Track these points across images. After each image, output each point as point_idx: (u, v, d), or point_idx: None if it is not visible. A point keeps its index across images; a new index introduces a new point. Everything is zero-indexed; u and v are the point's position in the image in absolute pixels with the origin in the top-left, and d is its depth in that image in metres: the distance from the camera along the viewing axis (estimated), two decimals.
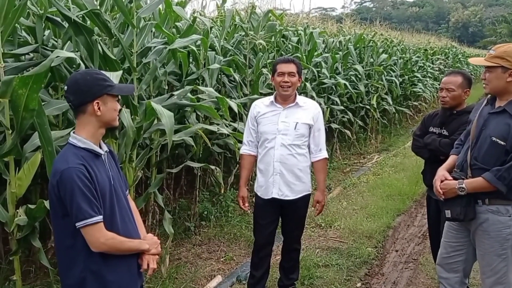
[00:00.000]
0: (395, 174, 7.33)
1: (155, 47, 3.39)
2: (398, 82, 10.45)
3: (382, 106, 10.09)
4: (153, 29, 3.83)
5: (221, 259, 4.40)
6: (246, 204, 3.42)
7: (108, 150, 1.95)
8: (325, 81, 7.23)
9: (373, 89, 9.60)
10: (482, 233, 2.59)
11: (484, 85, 2.62)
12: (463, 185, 2.53)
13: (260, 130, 3.29)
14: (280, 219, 3.43)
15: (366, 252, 4.42)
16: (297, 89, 6.77)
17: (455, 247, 2.78)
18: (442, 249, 2.88)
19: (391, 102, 10.04)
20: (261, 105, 3.32)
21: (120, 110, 2.96)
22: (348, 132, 8.25)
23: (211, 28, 4.67)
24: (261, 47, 5.30)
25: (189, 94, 3.62)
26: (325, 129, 7.65)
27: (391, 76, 10.48)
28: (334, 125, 7.83)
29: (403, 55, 11.84)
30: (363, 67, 9.32)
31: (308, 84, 6.33)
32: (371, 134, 10.01)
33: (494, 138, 2.48)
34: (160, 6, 3.97)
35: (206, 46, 3.80)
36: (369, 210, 5.54)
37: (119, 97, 1.96)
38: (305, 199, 3.34)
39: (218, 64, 4.79)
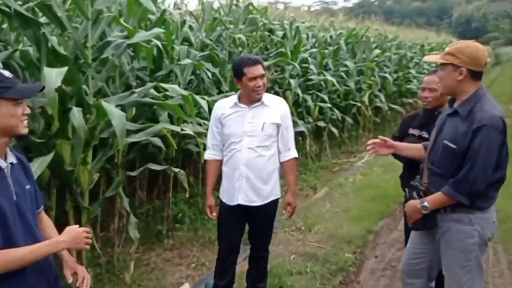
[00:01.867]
0: (384, 174, 7.11)
1: (114, 41, 3.18)
2: (391, 79, 10.22)
3: (375, 104, 9.87)
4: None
5: (192, 265, 4.21)
6: (214, 214, 3.22)
7: (16, 162, 1.73)
8: (312, 77, 7.00)
9: (366, 86, 9.38)
10: (445, 243, 2.45)
11: (439, 85, 2.49)
12: (426, 204, 2.40)
13: (225, 133, 3.08)
14: (247, 225, 3.25)
15: (343, 258, 4.22)
16: (282, 86, 6.61)
17: (420, 253, 2.65)
18: (406, 255, 2.76)
19: (384, 100, 9.81)
20: (225, 106, 3.11)
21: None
22: (335, 130, 8.02)
23: (184, 21, 4.45)
24: (240, 41, 5.07)
25: (153, 91, 3.40)
26: (312, 127, 7.60)
27: (385, 72, 10.24)
28: (321, 123, 7.60)
29: (398, 51, 11.60)
30: (355, 63, 9.09)
31: (292, 81, 6.12)
32: (363, 132, 9.80)
33: (445, 141, 2.36)
34: None
35: (170, 40, 3.59)
36: (352, 213, 5.34)
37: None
38: (273, 205, 3.14)
39: (193, 59, 4.58)
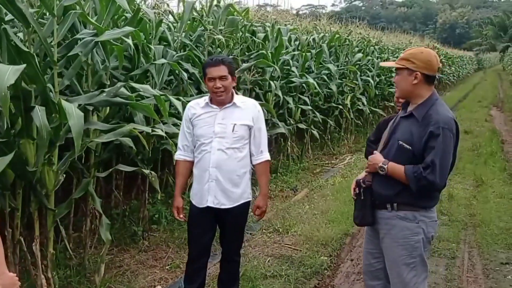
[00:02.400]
0: None
1: (82, 39, 3.10)
2: (373, 83, 10.26)
3: (357, 107, 9.90)
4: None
5: (167, 267, 4.14)
6: (181, 215, 3.16)
7: None
8: (294, 79, 6.98)
9: (348, 89, 9.40)
10: (391, 241, 2.53)
11: (395, 89, 2.63)
12: (385, 166, 2.48)
13: (196, 133, 3.03)
14: (218, 228, 3.20)
15: (319, 262, 4.19)
16: (263, 88, 6.57)
17: (374, 254, 2.74)
18: (364, 258, 2.86)
19: (365, 103, 9.85)
20: (196, 106, 3.07)
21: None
22: (315, 132, 8.01)
23: (161, 21, 4.38)
24: (219, 42, 5.02)
25: (124, 90, 3.32)
26: (292, 129, 7.58)
27: (367, 76, 10.29)
28: (301, 125, 7.59)
29: (381, 55, 11.66)
30: (338, 66, 9.11)
31: (273, 83, 6.08)
32: (345, 135, 9.82)
33: (400, 142, 2.46)
34: None
35: (140, 39, 3.52)
36: (329, 215, 5.32)
37: None
38: (243, 207, 3.09)
39: (170, 59, 4.52)
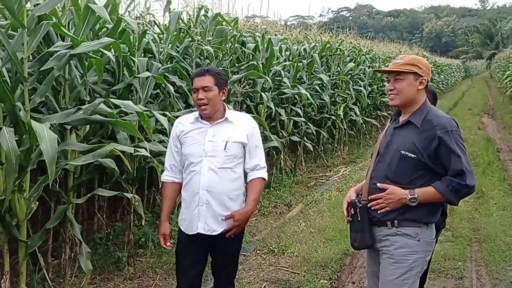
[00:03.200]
0: None
1: (57, 52, 2.82)
2: (366, 92, 10.08)
3: (350, 117, 9.70)
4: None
5: None
6: (168, 243, 2.86)
7: None
8: (285, 91, 6.74)
9: (341, 99, 9.20)
10: (387, 258, 2.38)
11: (391, 97, 2.40)
12: (415, 195, 2.28)
13: (184, 152, 2.75)
14: (209, 256, 2.90)
15: (319, 286, 3.91)
16: (254, 100, 6.31)
17: (378, 274, 2.50)
18: (367, 279, 2.67)
19: (358, 113, 9.65)
20: (185, 122, 2.79)
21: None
22: (309, 144, 7.77)
23: (145, 32, 4.12)
24: (208, 53, 4.77)
25: (104, 107, 3.04)
26: (285, 142, 7.32)
27: (359, 85, 10.11)
28: (294, 138, 7.34)
29: (372, 64, 11.51)
30: (329, 76, 8.91)
31: (264, 95, 5.83)
32: (338, 146, 9.59)
33: (403, 152, 2.32)
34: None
35: (120, 51, 3.26)
36: (327, 234, 5.04)
37: None
38: (237, 234, 2.79)
39: (156, 72, 4.25)
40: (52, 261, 3.99)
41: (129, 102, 3.10)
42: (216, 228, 2.70)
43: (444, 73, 27.77)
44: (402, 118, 2.43)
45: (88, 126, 3.64)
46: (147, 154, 3.05)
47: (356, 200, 2.44)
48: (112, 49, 3.77)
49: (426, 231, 2.36)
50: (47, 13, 3.22)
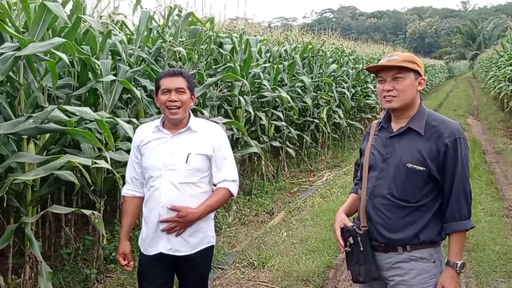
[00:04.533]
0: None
1: (3, 54, 2.52)
2: (349, 94, 9.89)
3: (333, 120, 9.49)
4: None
5: None
6: (131, 263, 2.58)
7: None
8: (265, 94, 6.49)
9: (324, 101, 8.99)
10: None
11: (389, 99, 2.05)
12: (459, 262, 1.98)
13: (144, 165, 2.47)
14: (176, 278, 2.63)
15: None
16: (232, 104, 6.03)
17: None
18: None
19: (342, 116, 9.44)
20: (146, 131, 2.52)
21: None
22: (291, 150, 7.53)
23: (109, 32, 3.83)
24: (180, 55, 4.49)
25: (60, 114, 2.75)
26: (266, 147, 7.07)
27: (343, 87, 9.91)
28: (275, 143, 7.09)
29: (356, 65, 11.34)
30: (312, 78, 8.70)
31: (242, 98, 5.57)
32: (322, 150, 9.38)
33: (410, 165, 2.00)
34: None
35: (73, 52, 2.97)
36: (310, 244, 4.79)
37: None
38: (205, 254, 2.52)
39: (123, 75, 3.97)
40: (15, 279, 3.68)
41: (86, 109, 2.81)
42: (180, 248, 2.43)
43: (428, 74, 27.85)
44: (396, 126, 2.10)
45: (47, 135, 3.34)
46: (107, 166, 2.76)
47: (354, 227, 2.10)
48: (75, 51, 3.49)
49: (439, 249, 2.07)
50: None
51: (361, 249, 2.05)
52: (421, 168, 1.98)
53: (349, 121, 10.17)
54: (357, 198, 2.23)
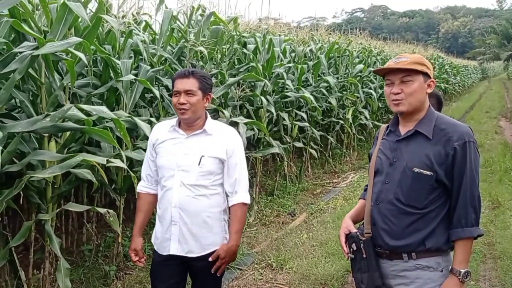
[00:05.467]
0: None
1: (21, 52, 2.57)
2: (376, 95, 9.70)
3: (359, 121, 9.34)
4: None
5: None
6: (142, 259, 2.60)
7: None
8: (289, 94, 6.43)
9: (349, 102, 8.85)
10: None
11: (397, 102, 1.99)
12: (463, 270, 1.91)
13: (158, 164, 2.48)
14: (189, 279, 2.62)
15: None
16: (253, 104, 6.01)
17: None
18: None
19: (368, 117, 9.28)
20: (162, 130, 2.52)
21: None
22: (313, 151, 7.44)
23: (130, 31, 3.87)
24: (202, 55, 4.50)
25: (78, 113, 2.78)
26: (289, 147, 7.01)
27: (369, 88, 9.73)
28: (298, 144, 7.02)
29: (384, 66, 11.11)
30: (337, 78, 8.57)
31: (264, 99, 5.53)
32: (347, 151, 9.24)
33: (417, 169, 1.93)
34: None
35: (90, 51, 3.00)
36: (329, 247, 4.71)
37: None
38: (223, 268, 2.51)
39: (144, 75, 4.00)
40: (37, 274, 3.77)
41: (103, 108, 2.84)
42: (192, 249, 2.42)
43: (460, 75, 27.11)
44: (403, 129, 2.04)
45: (68, 133, 3.40)
46: (122, 165, 2.77)
47: (358, 233, 2.06)
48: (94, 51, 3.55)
49: (446, 257, 2.00)
50: (21, 11, 3.01)
51: (364, 256, 2.01)
52: (428, 172, 1.92)
53: (375, 122, 9.98)
54: (364, 204, 2.17)
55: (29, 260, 3.71)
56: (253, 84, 5.74)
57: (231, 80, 4.78)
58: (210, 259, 2.41)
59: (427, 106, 2.04)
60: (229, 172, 2.43)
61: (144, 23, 5.02)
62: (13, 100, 3.33)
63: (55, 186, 3.40)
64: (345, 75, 8.85)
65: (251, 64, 5.46)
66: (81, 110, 2.75)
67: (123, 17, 3.87)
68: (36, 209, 3.55)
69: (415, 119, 2.02)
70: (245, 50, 5.79)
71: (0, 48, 2.95)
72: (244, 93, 5.40)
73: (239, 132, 3.13)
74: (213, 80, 5.16)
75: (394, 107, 2.02)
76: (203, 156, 2.35)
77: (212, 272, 2.41)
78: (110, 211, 2.91)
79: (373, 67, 10.32)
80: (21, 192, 2.51)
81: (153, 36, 5.20)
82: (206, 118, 2.48)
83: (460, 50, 65.57)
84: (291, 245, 4.90)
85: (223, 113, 4.61)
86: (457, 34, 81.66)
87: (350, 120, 8.64)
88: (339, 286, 3.99)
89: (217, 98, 4.79)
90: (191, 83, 2.34)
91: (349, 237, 2.08)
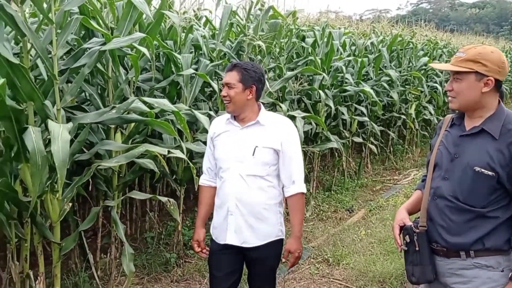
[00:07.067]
0: None
1: (90, 48, 2.73)
2: (442, 89, 9.27)
3: (423, 116, 8.97)
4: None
5: None
6: (204, 250, 2.67)
7: None
8: (348, 88, 6.31)
9: (413, 96, 8.53)
10: None
11: (450, 99, 1.97)
12: None
13: (215, 156, 2.54)
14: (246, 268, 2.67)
15: None
16: (311, 98, 5.95)
17: None
18: None
19: (432, 112, 8.89)
20: (219, 123, 2.58)
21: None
22: (373, 147, 7.25)
23: (191, 27, 3.97)
24: (260, 49, 4.53)
25: (141, 106, 2.91)
26: (348, 142, 6.88)
27: (435, 82, 9.32)
28: (357, 139, 6.88)
29: (450, 59, 10.58)
30: (400, 72, 8.29)
31: (323, 92, 5.47)
32: (409, 147, 8.92)
33: (478, 168, 1.86)
34: None
35: (152, 46, 3.11)
36: (388, 245, 4.59)
37: None
38: (274, 246, 2.53)
39: (204, 69, 4.09)
40: (103, 258, 4.00)
41: (164, 101, 2.95)
42: (249, 239, 2.45)
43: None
44: (469, 124, 1.97)
45: (132, 125, 3.57)
46: (182, 156, 2.87)
47: (412, 226, 2.02)
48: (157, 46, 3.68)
49: (508, 257, 1.91)
50: (90, 9, 3.19)
51: (416, 248, 1.98)
52: (490, 173, 1.84)
53: (440, 117, 9.54)
54: (421, 196, 2.10)
55: (97, 245, 3.96)
56: (311, 78, 5.69)
57: (289, 73, 4.77)
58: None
59: (495, 104, 1.93)
60: (285, 162, 2.44)
61: (204, 18, 5.14)
62: (83, 94, 3.54)
63: (121, 175, 3.59)
64: (409, 69, 8.54)
65: (310, 57, 5.41)
66: (144, 103, 2.87)
67: (184, 13, 3.99)
68: (103, 196, 3.76)
69: (479, 115, 1.94)
70: (303, 44, 5.75)
71: (71, 44, 3.15)
72: (302, 87, 5.37)
73: (296, 126, 3.12)
74: (271, 74, 5.18)
75: (450, 104, 1.99)
76: (256, 146, 2.38)
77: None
78: (171, 200, 3.02)
79: (439, 60, 9.88)
80: (89, 179, 2.67)
81: (213, 31, 5.31)
82: (259, 109, 2.50)
83: None
84: (348, 241, 4.83)
85: (281, 107, 4.62)
86: None
87: (413, 115, 8.33)
88: (398, 284, 3.88)
89: (275, 92, 4.80)
90: (231, 76, 2.38)
91: (404, 229, 2.04)
